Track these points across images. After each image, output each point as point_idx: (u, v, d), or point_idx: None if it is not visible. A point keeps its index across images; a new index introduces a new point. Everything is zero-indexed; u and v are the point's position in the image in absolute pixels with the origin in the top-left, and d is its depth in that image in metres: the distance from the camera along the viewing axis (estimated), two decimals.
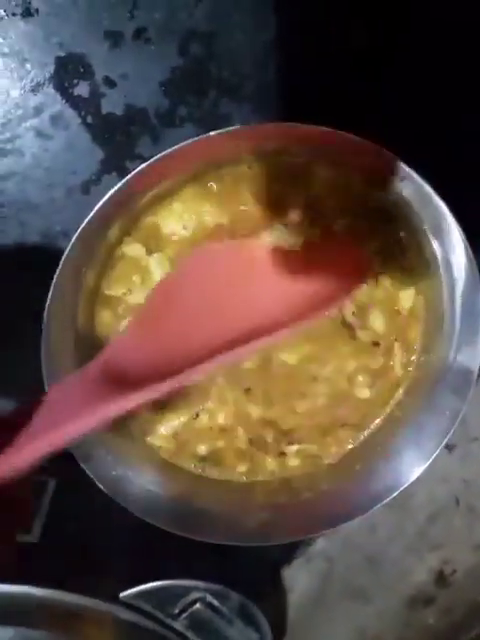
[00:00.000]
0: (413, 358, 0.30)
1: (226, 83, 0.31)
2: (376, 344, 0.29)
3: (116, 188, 0.25)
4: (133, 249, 0.28)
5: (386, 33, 0.31)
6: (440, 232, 0.26)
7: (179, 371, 0.21)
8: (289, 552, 0.39)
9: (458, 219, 0.26)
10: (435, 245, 0.27)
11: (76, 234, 0.25)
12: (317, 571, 0.40)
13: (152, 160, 0.24)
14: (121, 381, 0.21)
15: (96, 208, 0.25)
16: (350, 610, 0.41)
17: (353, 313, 0.28)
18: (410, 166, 0.25)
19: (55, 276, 0.25)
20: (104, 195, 0.28)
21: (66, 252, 0.25)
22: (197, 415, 0.31)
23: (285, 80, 0.31)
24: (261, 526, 0.29)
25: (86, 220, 0.25)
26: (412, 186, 0.26)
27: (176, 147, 0.25)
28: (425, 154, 0.24)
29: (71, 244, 0.25)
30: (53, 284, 0.25)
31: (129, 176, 0.24)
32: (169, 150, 0.25)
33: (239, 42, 0.31)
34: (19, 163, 0.31)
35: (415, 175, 0.25)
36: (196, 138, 0.25)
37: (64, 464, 0.32)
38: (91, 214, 0.25)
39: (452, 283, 0.27)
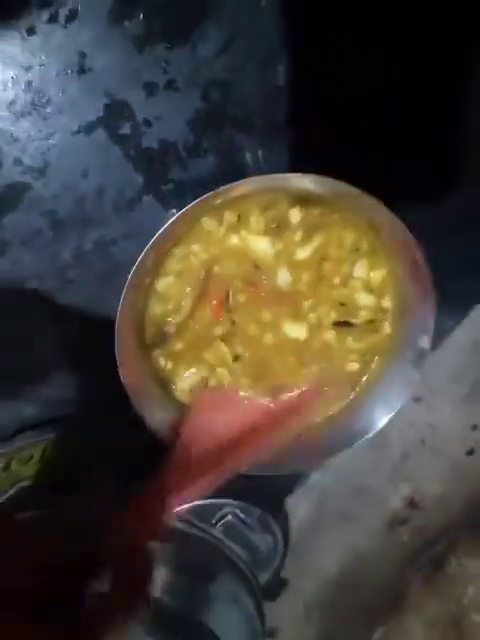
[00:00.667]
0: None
1: (239, 121, 0.39)
2: (371, 322, 0.38)
3: (184, 210, 0.33)
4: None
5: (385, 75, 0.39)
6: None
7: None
8: (291, 484, 0.50)
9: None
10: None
11: (149, 244, 0.33)
12: (314, 499, 0.50)
13: (216, 191, 0.33)
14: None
15: (166, 225, 0.33)
16: (342, 531, 0.51)
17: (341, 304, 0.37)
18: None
19: (129, 277, 0.33)
20: (145, 211, 0.38)
21: (140, 258, 0.33)
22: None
23: (290, 119, 0.40)
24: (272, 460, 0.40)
25: (157, 234, 0.33)
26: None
27: (236, 183, 0.33)
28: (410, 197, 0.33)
29: (144, 252, 0.33)
30: (126, 285, 0.33)
31: (195, 201, 0.33)
32: (231, 185, 0.33)
33: (250, 88, 0.39)
34: (78, 184, 0.39)
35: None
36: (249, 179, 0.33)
37: None
38: (162, 229, 0.33)
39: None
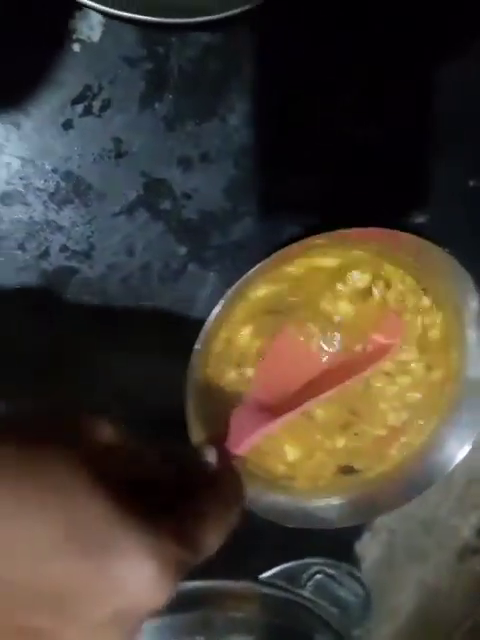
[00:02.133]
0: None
1: (272, 182, 0.41)
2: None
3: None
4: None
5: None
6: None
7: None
8: (358, 528, 0.49)
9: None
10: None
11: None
12: (382, 541, 0.50)
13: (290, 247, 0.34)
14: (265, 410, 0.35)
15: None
16: (412, 568, 0.51)
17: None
18: None
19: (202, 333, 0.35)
20: (189, 279, 0.39)
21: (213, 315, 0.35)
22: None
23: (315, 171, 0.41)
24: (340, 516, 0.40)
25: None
26: None
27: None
28: None
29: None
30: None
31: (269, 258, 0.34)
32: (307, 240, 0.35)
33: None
34: (123, 263, 0.40)
35: None
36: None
37: None
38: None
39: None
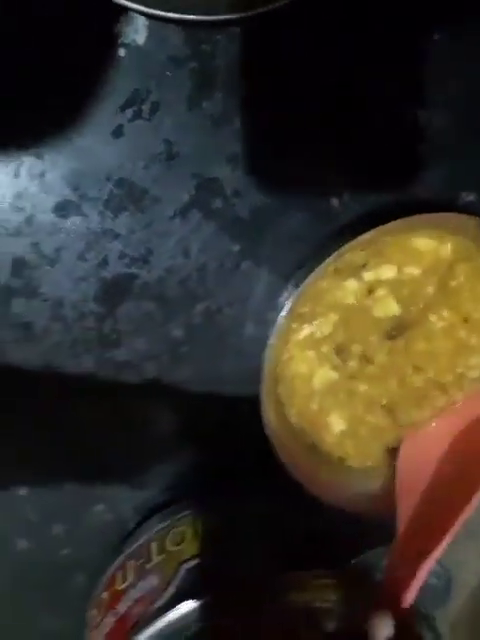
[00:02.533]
0: None
1: (319, 171, 0.40)
2: None
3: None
4: None
5: None
6: None
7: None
8: None
9: None
10: None
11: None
12: None
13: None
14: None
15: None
16: (472, 545, 0.51)
17: None
18: None
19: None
20: (243, 277, 0.40)
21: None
22: None
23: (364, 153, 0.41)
24: None
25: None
26: None
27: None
28: None
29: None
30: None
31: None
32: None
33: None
34: (180, 265, 0.40)
35: None
36: None
37: None
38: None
39: None
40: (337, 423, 0.42)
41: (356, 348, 0.41)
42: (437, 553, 0.31)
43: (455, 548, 0.52)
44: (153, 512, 0.45)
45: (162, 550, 0.40)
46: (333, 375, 0.41)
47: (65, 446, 0.44)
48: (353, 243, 0.36)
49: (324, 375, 0.41)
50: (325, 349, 0.41)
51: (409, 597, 0.30)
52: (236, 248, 0.41)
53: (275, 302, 0.41)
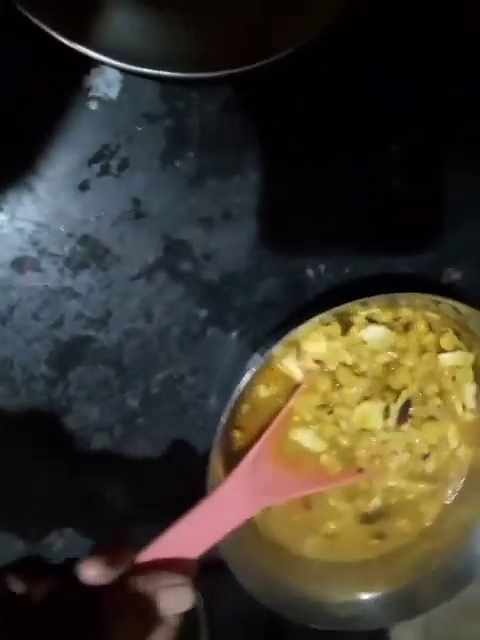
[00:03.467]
0: None
1: (296, 240, 0.39)
2: None
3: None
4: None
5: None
6: None
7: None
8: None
9: None
10: None
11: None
12: (418, 628, 0.46)
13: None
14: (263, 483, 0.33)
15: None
16: None
17: None
18: None
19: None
20: (210, 343, 0.37)
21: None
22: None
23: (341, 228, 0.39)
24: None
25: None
26: None
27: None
28: None
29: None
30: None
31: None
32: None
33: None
34: (141, 328, 0.37)
35: None
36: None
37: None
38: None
39: None
40: None
41: None
42: None
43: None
44: None
45: None
46: None
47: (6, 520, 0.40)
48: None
49: None
50: None
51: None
52: (203, 313, 0.38)
53: (243, 372, 0.38)
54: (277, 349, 0.34)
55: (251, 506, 0.34)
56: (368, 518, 0.40)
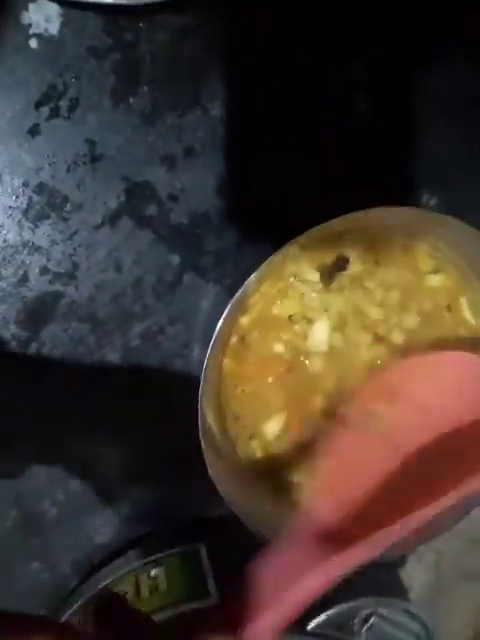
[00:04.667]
0: None
1: (270, 173, 0.36)
2: None
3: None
4: None
5: None
6: None
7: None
8: (402, 556, 0.44)
9: None
10: None
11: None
12: (429, 565, 0.44)
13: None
14: (330, 541, 0.23)
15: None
16: (466, 591, 0.45)
17: None
18: None
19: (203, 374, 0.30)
20: (187, 290, 0.35)
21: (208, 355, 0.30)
22: None
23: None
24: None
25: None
26: None
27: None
28: None
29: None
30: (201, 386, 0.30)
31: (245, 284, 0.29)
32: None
33: None
34: (113, 280, 0.36)
35: None
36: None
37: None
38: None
39: None
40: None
41: None
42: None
43: (444, 595, 0.46)
44: (96, 569, 0.39)
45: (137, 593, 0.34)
46: None
47: None
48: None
49: None
50: None
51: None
52: (175, 259, 0.36)
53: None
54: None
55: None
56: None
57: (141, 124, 0.34)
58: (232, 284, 0.37)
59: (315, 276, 0.35)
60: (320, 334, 0.33)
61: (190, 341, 0.38)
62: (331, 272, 0.35)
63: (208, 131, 0.35)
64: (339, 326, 0.34)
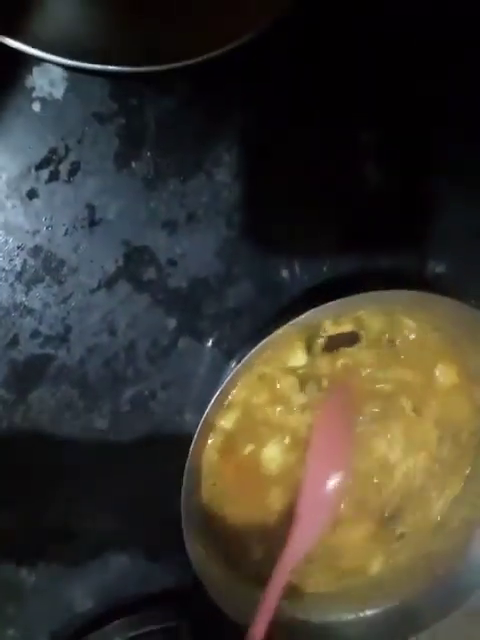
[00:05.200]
0: None
1: (270, 240, 0.36)
2: None
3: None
4: None
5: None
6: None
7: None
8: None
9: None
10: None
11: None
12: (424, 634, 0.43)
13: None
14: None
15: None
16: None
17: None
18: None
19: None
20: (182, 354, 0.34)
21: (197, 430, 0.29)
22: None
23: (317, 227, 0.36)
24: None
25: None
26: None
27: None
28: None
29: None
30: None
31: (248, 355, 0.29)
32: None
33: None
34: (106, 343, 0.35)
35: None
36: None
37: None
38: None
39: None
40: None
41: None
42: None
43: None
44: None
45: None
46: None
47: None
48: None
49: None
50: None
51: None
52: (172, 323, 0.36)
53: (219, 384, 0.36)
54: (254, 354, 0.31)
55: None
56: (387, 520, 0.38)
57: (143, 189, 0.34)
58: (229, 350, 0.36)
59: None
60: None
61: (183, 406, 0.37)
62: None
63: (211, 196, 0.35)
64: None
